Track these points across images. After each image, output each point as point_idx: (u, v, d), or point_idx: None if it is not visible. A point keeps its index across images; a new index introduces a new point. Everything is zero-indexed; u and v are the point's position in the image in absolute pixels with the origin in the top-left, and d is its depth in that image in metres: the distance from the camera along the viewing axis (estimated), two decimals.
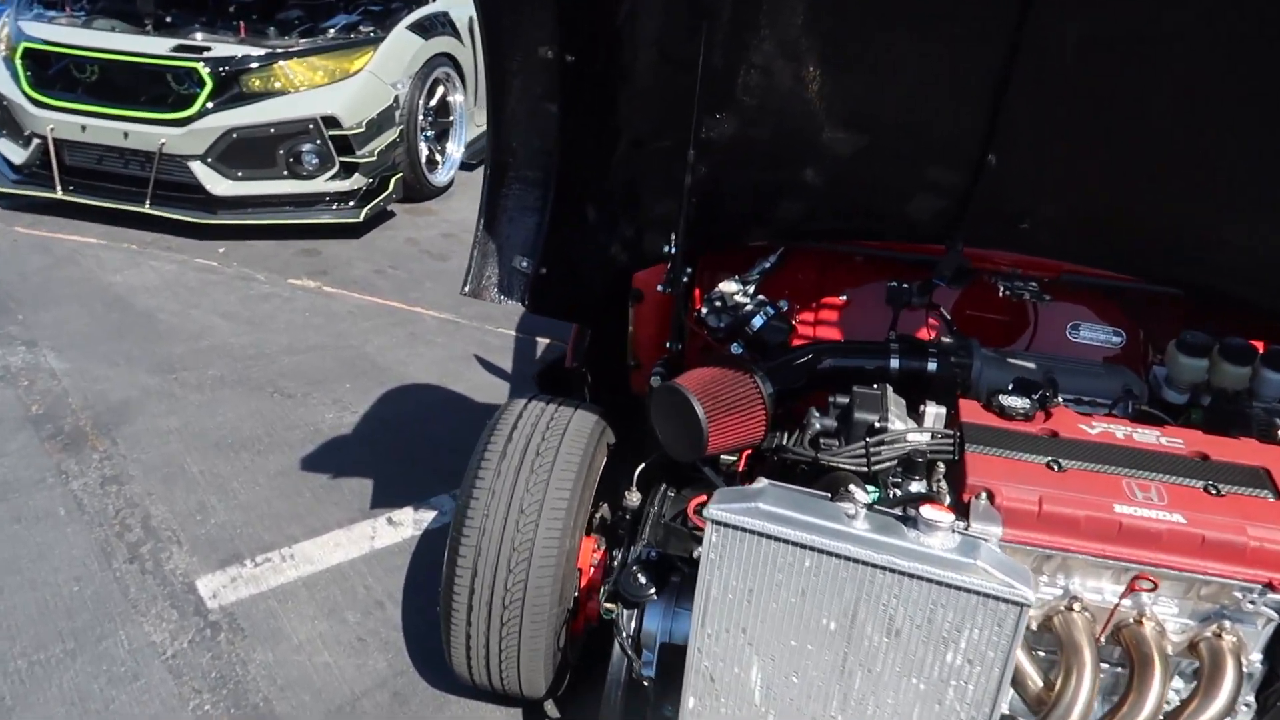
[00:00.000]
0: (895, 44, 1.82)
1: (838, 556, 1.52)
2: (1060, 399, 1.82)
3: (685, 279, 2.16)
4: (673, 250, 2.15)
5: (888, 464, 1.74)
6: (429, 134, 5.36)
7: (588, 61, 1.83)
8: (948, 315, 2.24)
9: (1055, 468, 1.65)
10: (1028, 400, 1.80)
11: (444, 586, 2.08)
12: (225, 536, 2.81)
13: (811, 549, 1.54)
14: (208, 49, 4.66)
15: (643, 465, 2.16)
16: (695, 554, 2.04)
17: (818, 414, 1.89)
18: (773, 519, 1.55)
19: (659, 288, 2.20)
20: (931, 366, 2.04)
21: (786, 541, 1.54)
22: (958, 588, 1.47)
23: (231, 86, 4.62)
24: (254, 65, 4.62)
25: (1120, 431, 1.75)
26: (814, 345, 2.16)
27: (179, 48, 4.67)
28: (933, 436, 1.76)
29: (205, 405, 3.44)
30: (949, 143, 1.95)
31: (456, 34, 5.46)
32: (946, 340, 2.10)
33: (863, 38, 1.83)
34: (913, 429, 1.78)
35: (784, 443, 1.96)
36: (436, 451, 3.27)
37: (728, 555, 1.60)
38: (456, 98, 5.56)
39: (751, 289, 2.31)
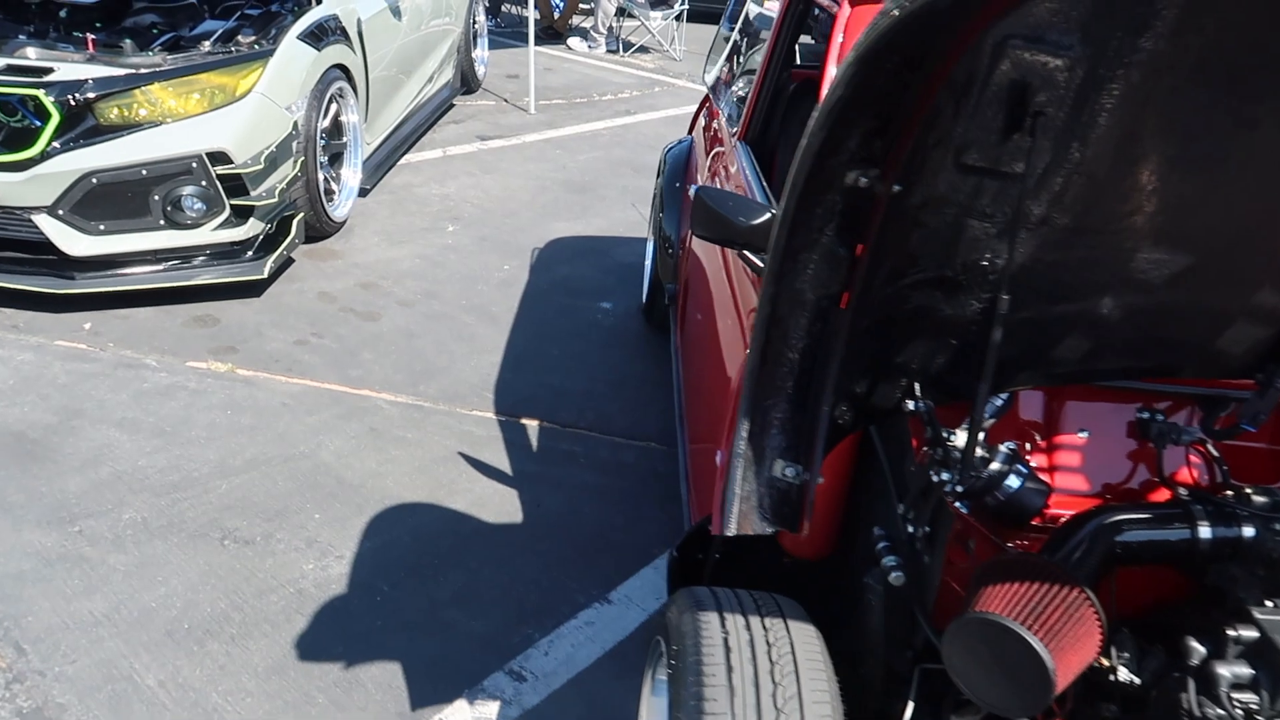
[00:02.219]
0: (1259, 144, 1.35)
1: None
2: None
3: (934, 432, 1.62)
4: (919, 405, 1.60)
5: None
6: (323, 160, 4.48)
7: (890, 183, 1.27)
8: (1215, 452, 1.81)
9: None
10: None
11: None
12: None
13: None
14: (49, 70, 3.63)
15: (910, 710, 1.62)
16: None
17: (1203, 650, 1.42)
18: None
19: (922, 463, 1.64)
20: (1248, 533, 1.60)
21: None
22: None
23: (85, 118, 3.61)
24: (114, 90, 3.63)
25: None
26: (1095, 515, 1.67)
27: (9, 69, 3.61)
28: None
29: (135, 571, 2.58)
30: None
31: (348, 41, 4.59)
32: (1255, 496, 1.67)
33: (1223, 136, 1.35)
34: None
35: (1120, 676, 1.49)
36: (464, 608, 2.58)
37: None
38: (351, 117, 4.69)
39: (982, 437, 1.80)
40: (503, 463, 3.23)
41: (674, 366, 3.37)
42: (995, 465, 1.71)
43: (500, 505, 3.01)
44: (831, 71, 1.99)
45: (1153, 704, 1.53)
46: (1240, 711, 1.35)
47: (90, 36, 3.89)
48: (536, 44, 7.51)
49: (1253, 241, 1.49)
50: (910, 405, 1.60)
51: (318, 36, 4.25)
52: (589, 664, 2.46)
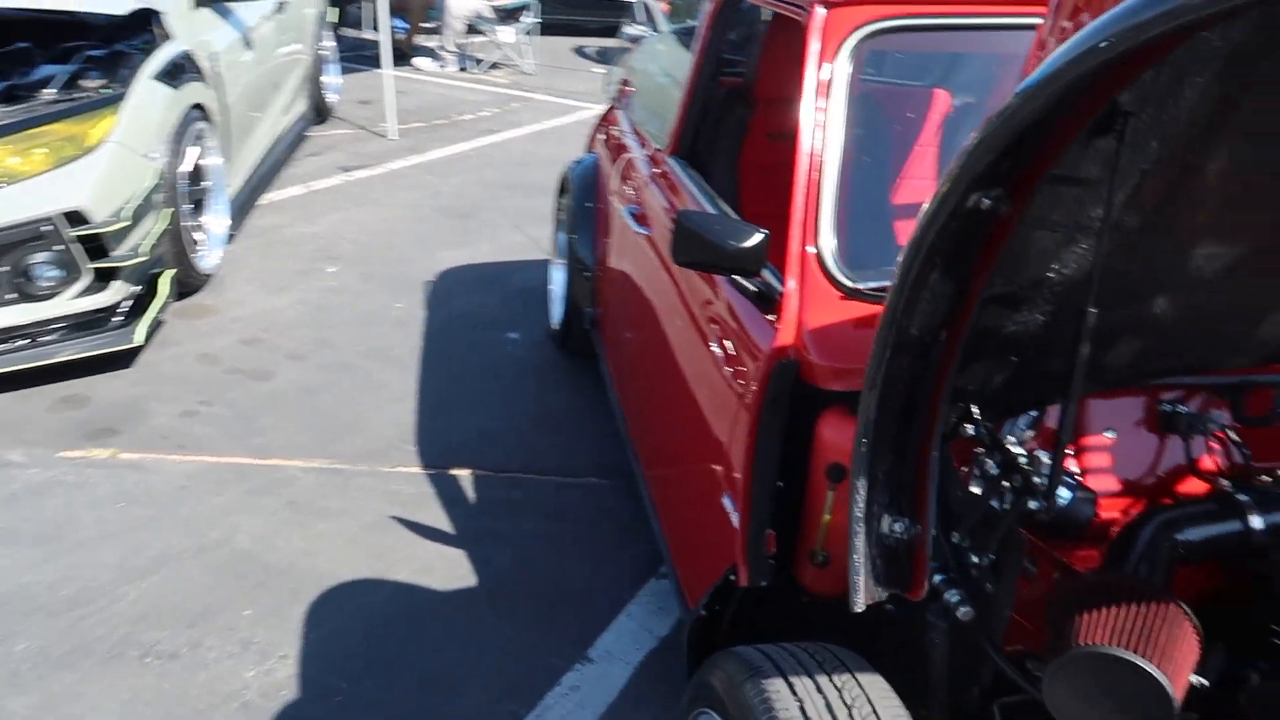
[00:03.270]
0: None
1: None
2: None
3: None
4: (980, 428, 1.49)
5: None
6: (187, 208, 4.07)
7: (1020, 203, 1.15)
8: (1237, 438, 1.77)
9: None
10: None
11: None
12: None
13: None
14: None
15: None
16: None
17: None
18: None
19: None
20: None
21: None
22: None
23: None
24: None
25: None
26: (1150, 518, 1.60)
27: None
28: None
29: (43, 713, 2.20)
30: None
31: (204, 77, 4.19)
32: None
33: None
34: None
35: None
36: (437, 693, 2.33)
37: None
38: (213, 159, 4.29)
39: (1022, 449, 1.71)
40: (441, 521, 2.97)
41: (611, 394, 3.18)
42: (1039, 479, 1.62)
43: (448, 569, 2.76)
44: (813, 76, 1.86)
45: (1253, 711, 1.47)
46: None
47: None
48: (383, 66, 7.14)
49: None
50: (970, 429, 1.49)
51: (173, 75, 3.86)
52: None
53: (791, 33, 2.24)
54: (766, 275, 1.87)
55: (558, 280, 4.05)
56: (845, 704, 1.45)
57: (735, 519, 1.82)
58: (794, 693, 1.47)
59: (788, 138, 2.86)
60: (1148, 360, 1.56)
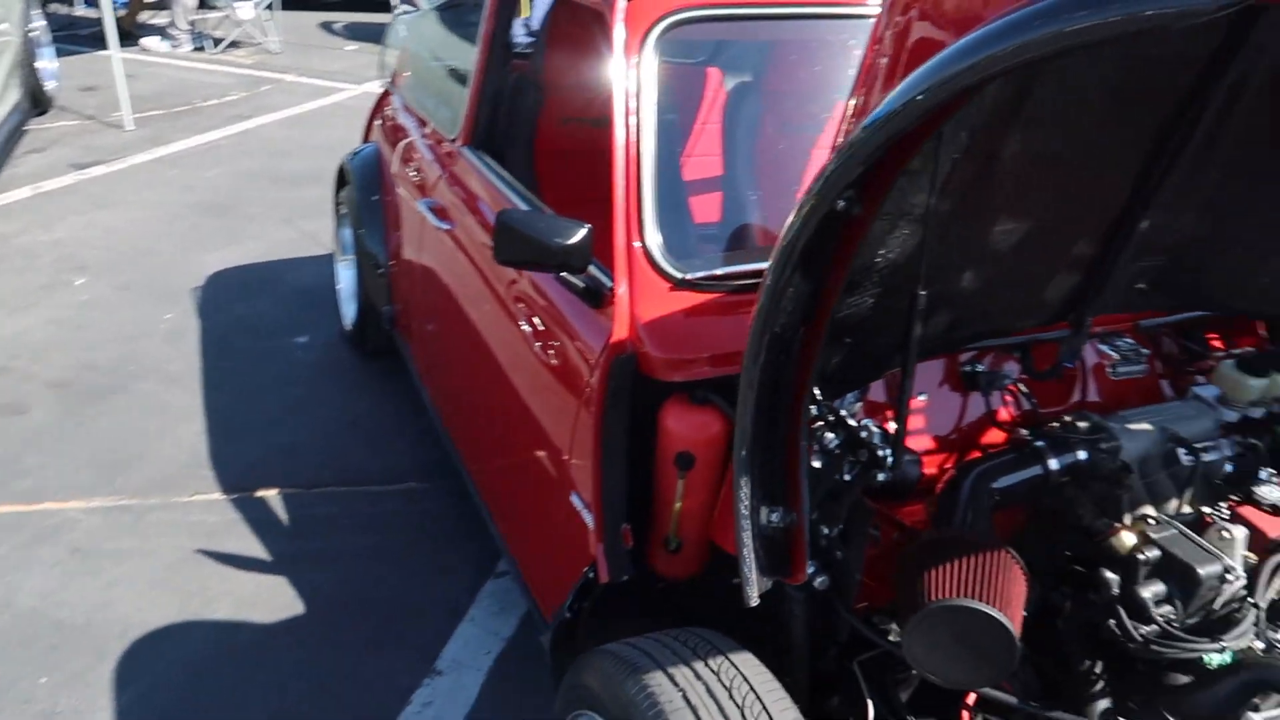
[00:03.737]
0: (1091, 120, 1.46)
1: None
2: None
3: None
4: (821, 408, 1.57)
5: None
6: None
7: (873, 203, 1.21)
8: (1024, 389, 1.96)
9: None
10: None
11: None
12: None
13: None
14: None
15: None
16: None
17: (1116, 577, 1.54)
18: None
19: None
20: (1082, 456, 1.77)
21: None
22: None
23: None
24: None
25: None
26: (965, 473, 1.74)
27: None
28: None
29: None
30: (1107, 212, 1.65)
31: None
32: (1078, 422, 1.83)
33: (1065, 118, 1.43)
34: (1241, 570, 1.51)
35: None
36: None
37: None
38: None
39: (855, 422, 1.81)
40: (254, 549, 2.78)
41: (423, 393, 3.08)
42: (875, 447, 1.73)
43: (271, 600, 2.60)
44: (620, 67, 1.85)
45: (1069, 634, 1.65)
46: (1166, 625, 1.49)
47: None
48: (105, 47, 6.47)
49: (1082, 202, 1.60)
50: (813, 409, 1.56)
51: None
52: None
53: (584, 18, 2.22)
54: (593, 270, 1.86)
55: (346, 278, 3.87)
56: (725, 685, 1.50)
57: (588, 517, 1.83)
58: (674, 683, 1.50)
59: (582, 123, 2.87)
60: (957, 329, 1.69)
